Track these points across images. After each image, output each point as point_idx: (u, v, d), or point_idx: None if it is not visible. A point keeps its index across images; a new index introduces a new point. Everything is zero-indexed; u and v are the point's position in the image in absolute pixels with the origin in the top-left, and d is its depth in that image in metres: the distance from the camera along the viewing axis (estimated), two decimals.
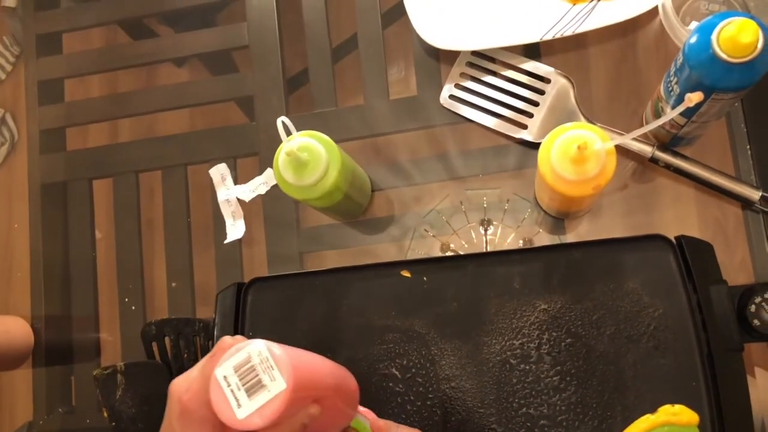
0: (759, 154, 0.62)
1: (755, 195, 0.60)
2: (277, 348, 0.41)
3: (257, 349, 0.40)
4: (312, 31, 0.76)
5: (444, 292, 0.61)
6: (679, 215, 0.64)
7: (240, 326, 0.63)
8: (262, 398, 0.39)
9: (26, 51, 0.84)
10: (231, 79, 0.78)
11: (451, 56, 0.70)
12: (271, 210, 0.73)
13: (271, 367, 0.40)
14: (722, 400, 0.54)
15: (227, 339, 0.43)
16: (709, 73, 0.48)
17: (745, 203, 0.62)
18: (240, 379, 0.39)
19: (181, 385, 0.42)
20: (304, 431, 0.43)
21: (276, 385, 0.39)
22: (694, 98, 0.46)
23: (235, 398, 0.39)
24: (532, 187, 0.67)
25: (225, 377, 0.40)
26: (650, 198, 0.65)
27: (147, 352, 0.66)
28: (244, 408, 0.39)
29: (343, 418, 0.52)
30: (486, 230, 0.68)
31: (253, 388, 0.39)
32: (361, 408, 0.53)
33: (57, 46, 0.84)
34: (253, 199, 0.73)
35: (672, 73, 0.53)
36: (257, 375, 0.39)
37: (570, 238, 0.67)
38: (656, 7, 0.64)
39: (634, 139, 0.63)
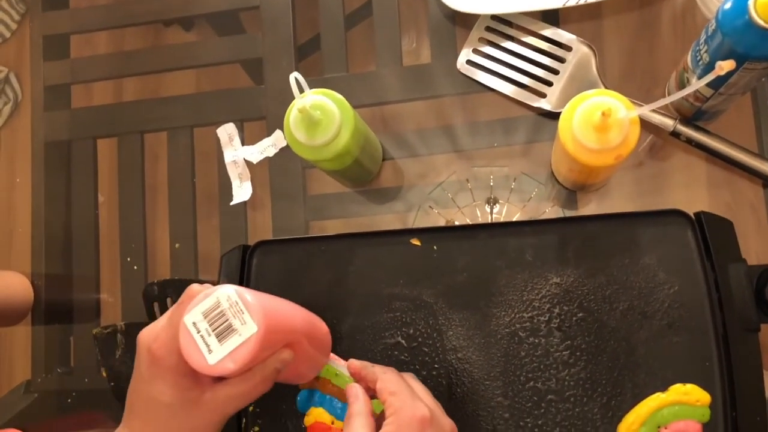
0: None
1: None
2: (247, 292, 0.40)
3: (226, 294, 0.39)
4: None
5: (454, 262, 0.59)
6: (697, 192, 0.63)
7: None
8: (233, 342, 0.38)
9: (32, 4, 0.82)
10: (240, 41, 0.76)
11: (468, 22, 0.68)
12: (277, 177, 0.71)
13: (242, 311, 0.39)
14: (735, 381, 0.52)
15: (194, 287, 0.42)
16: (743, 40, 0.46)
17: (767, 181, 0.60)
18: (210, 325, 0.39)
19: (149, 335, 0.42)
20: (277, 377, 0.42)
21: (247, 329, 0.39)
22: (725, 66, 0.44)
23: (206, 344, 0.39)
24: (540, 166, 0.65)
25: (194, 323, 0.39)
26: (668, 173, 0.64)
27: (148, 313, 0.65)
28: (215, 353, 0.38)
29: (316, 364, 0.51)
30: (492, 208, 0.67)
31: (224, 332, 0.39)
32: (332, 355, 0.52)
33: (63, 0, 0.82)
34: (260, 165, 0.71)
35: (702, 41, 0.51)
36: (227, 319, 0.39)
37: (584, 212, 0.65)
38: None
39: (656, 111, 0.61)
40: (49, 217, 0.77)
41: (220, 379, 0.41)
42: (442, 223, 0.67)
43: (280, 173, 0.72)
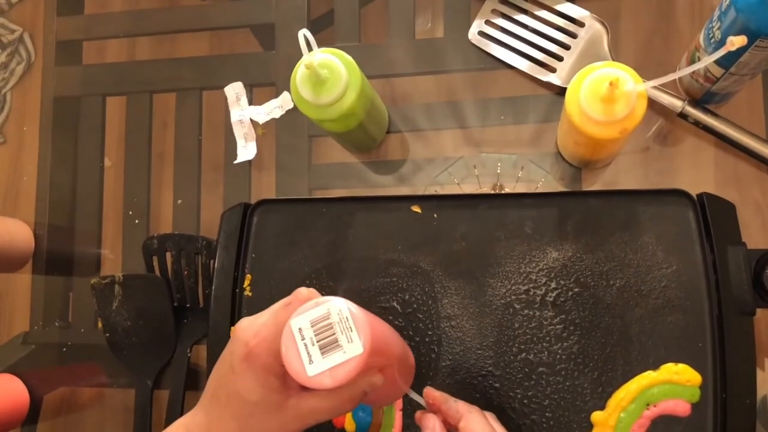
0: None
1: None
2: (356, 309, 0.39)
3: (338, 307, 0.38)
4: None
5: (453, 230, 0.59)
6: (703, 177, 0.62)
7: (243, 247, 0.61)
8: (336, 358, 0.37)
9: None
10: (254, 4, 0.76)
11: None
12: (283, 144, 0.71)
13: (350, 328, 0.38)
14: (727, 364, 0.52)
15: (303, 291, 0.41)
16: (757, 16, 0.45)
17: None
18: (316, 335, 0.38)
19: (249, 329, 0.40)
20: (363, 398, 0.42)
21: (353, 348, 0.38)
22: (737, 42, 0.44)
23: (308, 353, 0.38)
24: (548, 156, 0.65)
25: (300, 330, 0.38)
26: (674, 158, 0.63)
27: (147, 266, 0.66)
28: (315, 365, 0.38)
29: (398, 392, 0.50)
30: None
31: (329, 346, 0.38)
32: None
33: None
34: (266, 133, 0.71)
35: (715, 18, 0.50)
36: (334, 333, 0.38)
37: None
38: None
39: (666, 92, 0.60)
40: (55, 170, 0.77)
41: (307, 388, 0.40)
42: None
43: (286, 141, 0.72)
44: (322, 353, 0.38)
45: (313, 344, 0.38)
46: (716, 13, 0.50)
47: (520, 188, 0.65)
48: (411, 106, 0.69)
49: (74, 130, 0.78)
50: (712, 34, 0.51)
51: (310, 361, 0.38)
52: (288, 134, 0.71)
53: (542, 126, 0.66)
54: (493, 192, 0.65)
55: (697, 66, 0.47)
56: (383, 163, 0.69)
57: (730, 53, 0.45)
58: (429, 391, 0.48)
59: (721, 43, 0.48)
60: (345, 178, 0.70)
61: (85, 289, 0.72)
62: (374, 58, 0.71)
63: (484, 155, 0.67)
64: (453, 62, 0.69)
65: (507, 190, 0.65)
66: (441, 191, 0.66)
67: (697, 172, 0.63)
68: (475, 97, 0.68)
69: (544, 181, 0.64)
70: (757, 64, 0.51)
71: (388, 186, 0.68)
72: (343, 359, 0.37)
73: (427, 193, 0.66)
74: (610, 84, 0.47)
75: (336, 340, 0.38)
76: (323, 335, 0.38)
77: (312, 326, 0.38)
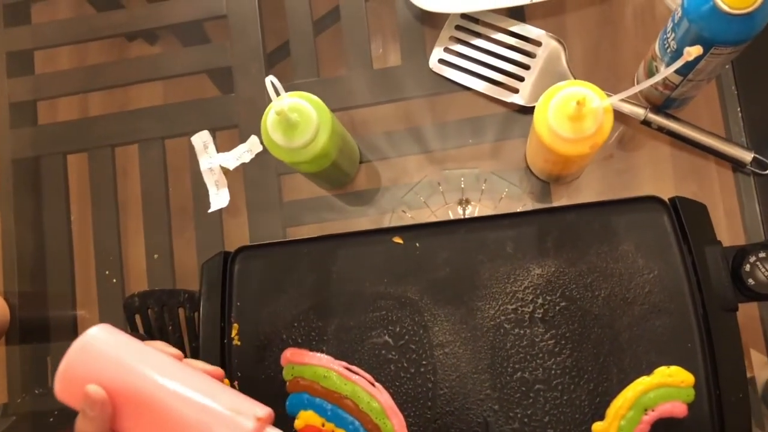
0: (749, 115, 0.63)
1: (747, 156, 0.60)
2: None
3: None
4: (293, 1, 0.74)
5: (436, 257, 0.60)
6: (669, 179, 0.64)
7: (227, 296, 0.61)
8: None
9: None
10: (207, 50, 0.76)
11: (437, 22, 0.69)
12: (252, 185, 0.71)
13: None
14: (717, 360, 0.54)
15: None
16: (709, 26, 0.47)
17: (736, 165, 0.62)
18: None
19: None
20: None
21: None
22: (693, 51, 0.46)
23: None
24: (510, 165, 0.66)
25: None
26: (643, 160, 0.65)
27: (130, 325, 0.64)
28: None
29: None
30: (464, 210, 0.67)
31: None
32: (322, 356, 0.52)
33: (25, 15, 0.81)
34: (235, 174, 0.71)
35: (669, 29, 0.52)
36: None
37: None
38: None
39: (627, 101, 0.62)
40: (21, 234, 0.75)
41: None
42: None
43: (255, 181, 0.71)
44: None
45: None
46: (669, 24, 0.52)
47: (486, 200, 0.66)
48: (374, 135, 0.70)
49: (36, 190, 0.76)
50: (667, 45, 0.53)
51: None
52: (257, 174, 0.71)
53: (503, 143, 0.67)
54: (465, 212, 0.66)
55: (658, 77, 0.49)
56: (354, 194, 0.70)
57: (687, 62, 0.47)
58: None
59: (678, 53, 0.50)
60: (317, 212, 0.70)
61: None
62: (335, 92, 0.71)
63: (447, 172, 0.67)
64: (413, 89, 0.70)
65: (473, 203, 0.66)
66: (408, 211, 0.67)
67: (661, 172, 0.65)
68: (437, 121, 0.69)
69: (508, 191, 0.65)
70: (713, 69, 0.53)
71: (358, 217, 0.69)
72: None
73: (395, 214, 0.67)
74: (578, 103, 0.49)
75: None
76: None
77: None
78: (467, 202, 0.67)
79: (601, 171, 0.65)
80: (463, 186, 0.67)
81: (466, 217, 0.66)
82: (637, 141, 0.65)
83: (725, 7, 0.46)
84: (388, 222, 0.68)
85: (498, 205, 0.66)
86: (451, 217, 0.66)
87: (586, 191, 0.66)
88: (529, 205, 0.66)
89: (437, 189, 0.67)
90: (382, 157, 0.69)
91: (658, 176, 0.65)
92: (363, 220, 0.69)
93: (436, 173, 0.68)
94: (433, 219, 0.67)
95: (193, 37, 0.78)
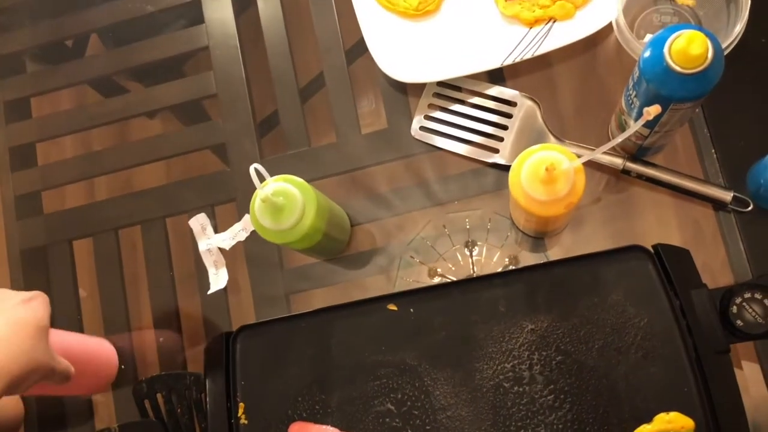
0: (724, 155, 0.64)
1: (727, 196, 0.62)
2: None
3: None
4: (278, 73, 0.77)
5: (431, 321, 0.61)
6: (656, 221, 0.65)
7: (231, 376, 0.62)
8: None
9: None
10: (203, 128, 0.79)
11: (417, 87, 0.71)
12: (253, 254, 0.73)
13: None
14: (715, 403, 0.54)
15: None
16: (665, 85, 0.49)
17: (717, 205, 0.63)
18: None
19: None
20: None
21: None
22: (652, 111, 0.47)
23: None
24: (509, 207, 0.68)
25: None
26: (627, 207, 0.67)
27: (140, 411, 0.66)
28: None
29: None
30: (471, 251, 0.69)
31: None
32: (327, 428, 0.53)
33: (26, 110, 0.84)
34: (235, 246, 0.73)
35: (631, 86, 0.54)
36: None
37: (553, 252, 0.67)
38: (611, 23, 0.66)
39: (605, 153, 0.64)
40: None
41: None
42: (425, 272, 0.69)
43: (256, 250, 0.73)
44: None
45: None
46: (631, 82, 0.54)
47: (492, 239, 0.67)
48: (370, 196, 0.72)
49: (45, 276, 0.78)
50: (631, 101, 0.55)
51: None
52: (256, 246, 0.73)
53: (502, 191, 0.69)
54: (470, 260, 0.67)
55: (627, 134, 0.50)
56: (355, 256, 0.71)
57: (649, 120, 0.49)
58: None
59: (641, 109, 0.52)
60: (321, 276, 0.72)
61: None
62: (327, 159, 0.73)
63: (451, 215, 0.69)
64: (403, 149, 0.72)
65: (479, 243, 0.67)
66: (416, 256, 0.68)
67: (652, 211, 0.66)
68: (432, 176, 0.71)
69: (511, 234, 0.67)
70: (678, 119, 0.54)
71: (366, 275, 0.70)
72: None
73: (404, 261, 0.68)
74: (547, 169, 0.50)
75: None
76: None
77: None
78: (474, 243, 0.68)
79: (594, 212, 0.67)
80: (468, 227, 0.68)
81: (474, 258, 0.68)
82: (623, 186, 0.67)
83: (677, 68, 0.48)
84: (396, 270, 0.69)
85: (504, 244, 0.67)
86: (459, 259, 0.68)
87: (582, 232, 0.67)
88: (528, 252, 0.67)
89: (443, 232, 0.69)
90: (381, 215, 0.71)
91: (650, 217, 0.66)
92: (371, 275, 0.70)
93: (440, 217, 0.69)
94: (441, 262, 0.68)
95: (191, 114, 0.81)
